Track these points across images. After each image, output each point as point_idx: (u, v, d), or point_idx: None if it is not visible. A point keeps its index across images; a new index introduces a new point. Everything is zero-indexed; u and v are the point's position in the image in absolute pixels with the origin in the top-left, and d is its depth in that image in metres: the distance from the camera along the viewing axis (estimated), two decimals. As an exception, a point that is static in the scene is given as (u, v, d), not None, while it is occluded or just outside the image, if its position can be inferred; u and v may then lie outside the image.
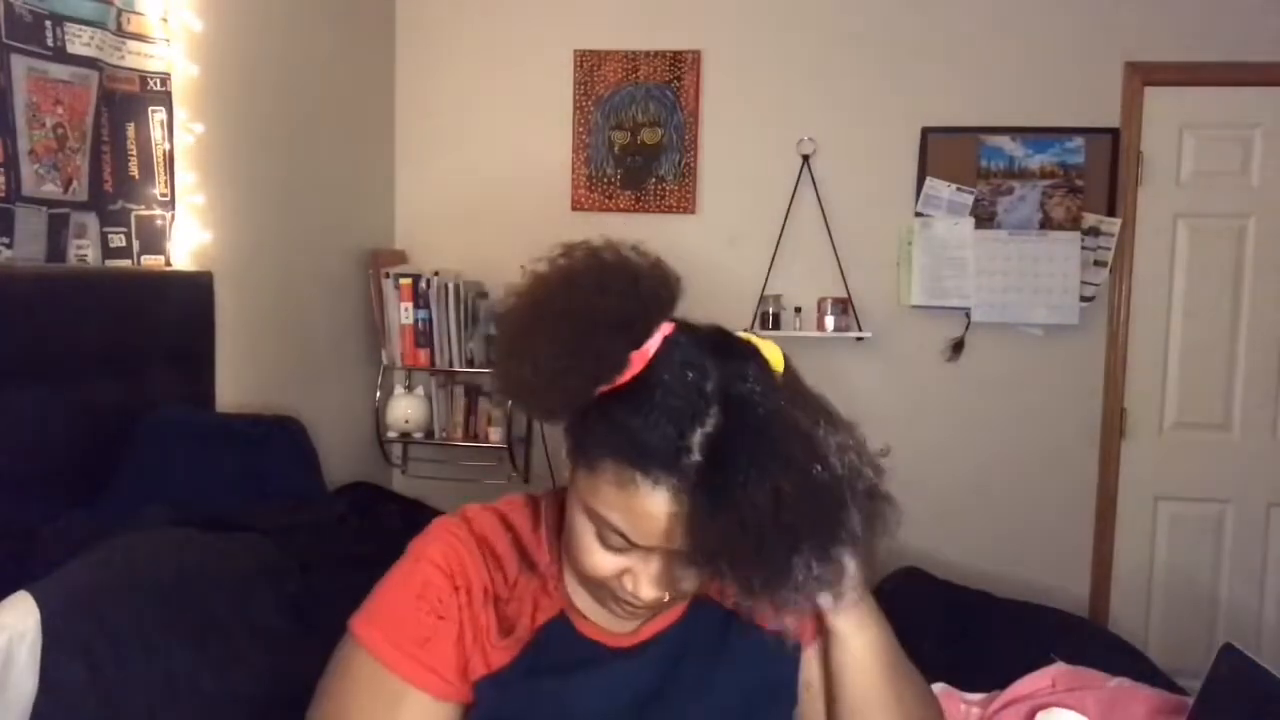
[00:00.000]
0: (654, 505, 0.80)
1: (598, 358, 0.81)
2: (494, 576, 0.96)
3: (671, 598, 0.89)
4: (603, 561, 0.87)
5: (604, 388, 0.82)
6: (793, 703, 1.03)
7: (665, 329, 0.84)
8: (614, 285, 0.83)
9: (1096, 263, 3.08)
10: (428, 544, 0.96)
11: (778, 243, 3.17)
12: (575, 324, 0.81)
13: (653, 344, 0.83)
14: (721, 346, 0.85)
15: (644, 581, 0.86)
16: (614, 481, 0.82)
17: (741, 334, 0.90)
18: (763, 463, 0.76)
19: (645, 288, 0.84)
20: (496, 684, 0.93)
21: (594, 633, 0.97)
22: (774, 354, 0.87)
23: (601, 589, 0.91)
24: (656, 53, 3.24)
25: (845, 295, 3.15)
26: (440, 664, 0.92)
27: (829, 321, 3.12)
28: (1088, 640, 2.17)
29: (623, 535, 0.84)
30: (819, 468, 0.78)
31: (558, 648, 0.95)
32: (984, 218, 3.12)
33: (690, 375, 0.81)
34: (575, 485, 0.88)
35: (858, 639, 0.93)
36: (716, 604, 1.02)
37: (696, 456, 0.78)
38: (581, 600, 0.98)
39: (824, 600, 0.84)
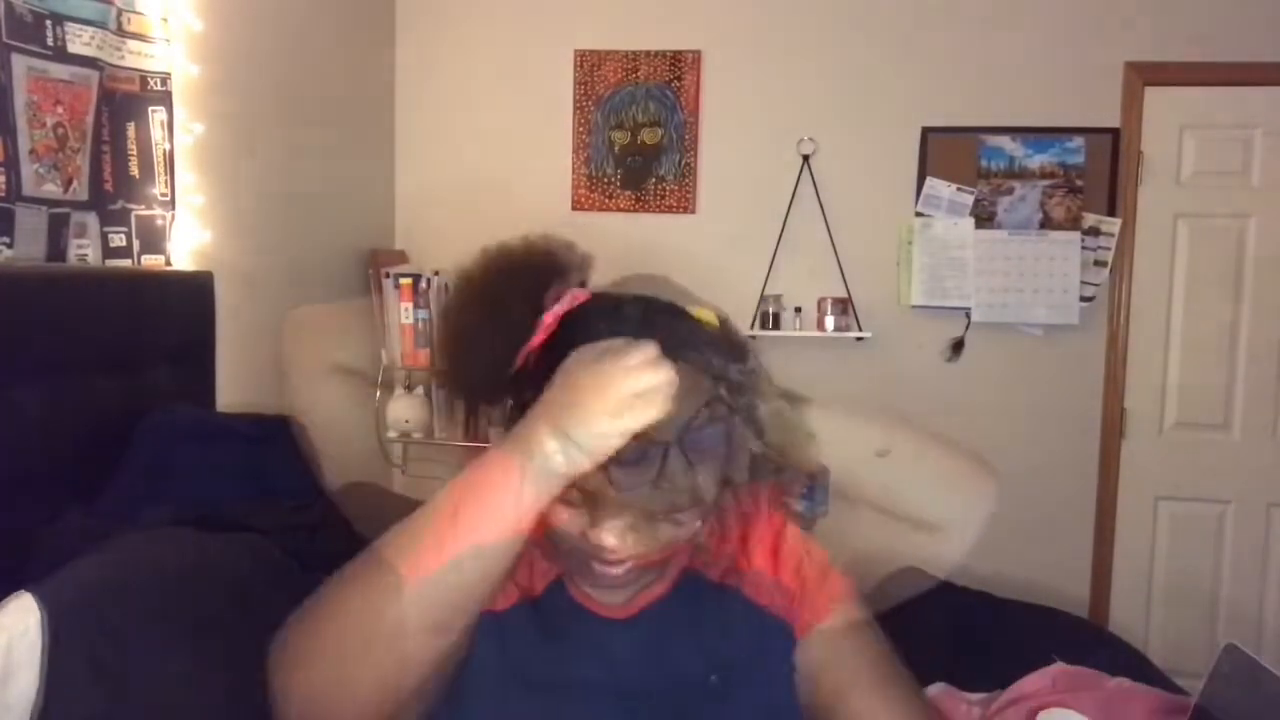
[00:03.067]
0: None
1: (510, 325, 0.90)
2: None
3: (647, 549, 0.90)
4: (638, 487, 0.86)
5: (530, 347, 0.89)
6: (782, 674, 1.03)
7: (577, 296, 0.92)
8: (505, 269, 0.94)
9: (1096, 263, 3.09)
10: None
11: (778, 243, 3.17)
12: (485, 305, 0.91)
13: (560, 307, 0.90)
14: (643, 299, 0.93)
15: (679, 471, 0.86)
16: None
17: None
18: (685, 314, 0.89)
19: (536, 262, 0.94)
20: (499, 624, 0.96)
21: (588, 601, 1.00)
22: (708, 316, 0.94)
23: (582, 564, 0.93)
24: (656, 53, 3.24)
25: (845, 295, 3.15)
26: None
27: (829, 321, 3.12)
28: (1088, 640, 2.17)
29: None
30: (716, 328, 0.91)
31: (557, 608, 0.98)
32: (984, 218, 3.12)
33: (602, 325, 0.87)
34: None
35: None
36: (703, 575, 1.03)
37: (641, 328, 0.85)
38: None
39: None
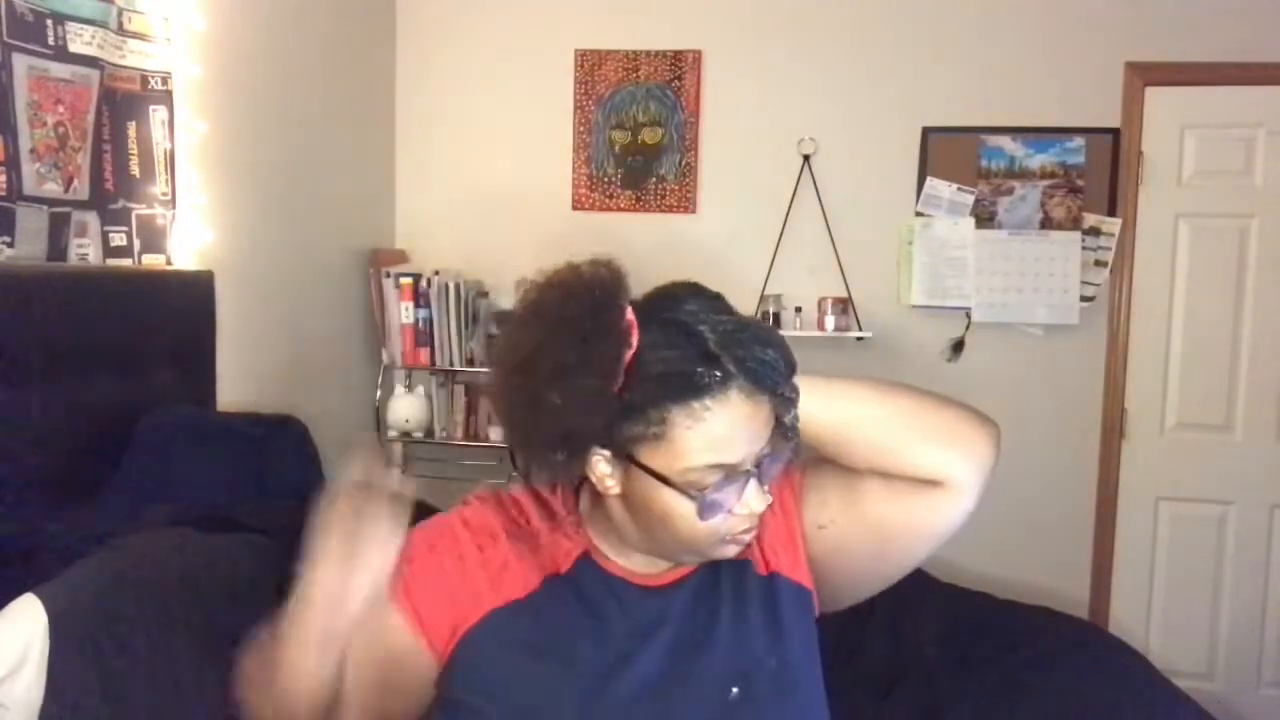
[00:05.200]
0: (729, 412, 0.91)
1: (612, 336, 0.91)
2: (518, 519, 1.06)
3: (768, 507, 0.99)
4: (718, 515, 0.95)
5: (629, 354, 0.91)
6: (807, 636, 1.08)
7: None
8: (579, 290, 0.93)
9: (1097, 263, 3.08)
10: (460, 509, 1.09)
11: (778, 243, 3.17)
12: (574, 330, 0.90)
13: (630, 312, 0.93)
14: (664, 294, 0.98)
15: (754, 497, 0.95)
16: (688, 423, 0.91)
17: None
18: (757, 335, 0.94)
19: (600, 276, 0.94)
20: (525, 607, 1.01)
21: (620, 572, 1.04)
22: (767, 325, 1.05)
23: (714, 544, 0.98)
24: (657, 52, 3.23)
25: (845, 295, 3.14)
26: (426, 607, 1.01)
27: (829, 321, 3.12)
28: (1087, 641, 2.17)
29: (721, 466, 0.93)
30: (748, 317, 0.99)
31: (588, 581, 1.03)
32: (984, 218, 3.12)
33: (666, 315, 0.94)
34: (648, 476, 0.94)
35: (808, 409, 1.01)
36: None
37: (726, 356, 0.92)
38: (607, 546, 1.05)
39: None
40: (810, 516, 1.09)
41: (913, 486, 1.04)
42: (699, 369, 0.91)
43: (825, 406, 1.03)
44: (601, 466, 0.97)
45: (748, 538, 1.00)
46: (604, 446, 0.95)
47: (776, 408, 0.96)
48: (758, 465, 0.95)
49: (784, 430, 0.97)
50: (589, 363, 0.89)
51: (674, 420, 0.91)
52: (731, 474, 0.93)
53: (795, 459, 1.02)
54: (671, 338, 0.93)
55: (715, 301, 0.98)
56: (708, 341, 0.92)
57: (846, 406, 1.04)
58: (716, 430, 0.91)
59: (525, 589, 1.01)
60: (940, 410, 1.06)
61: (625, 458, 0.95)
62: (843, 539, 1.07)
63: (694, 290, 0.98)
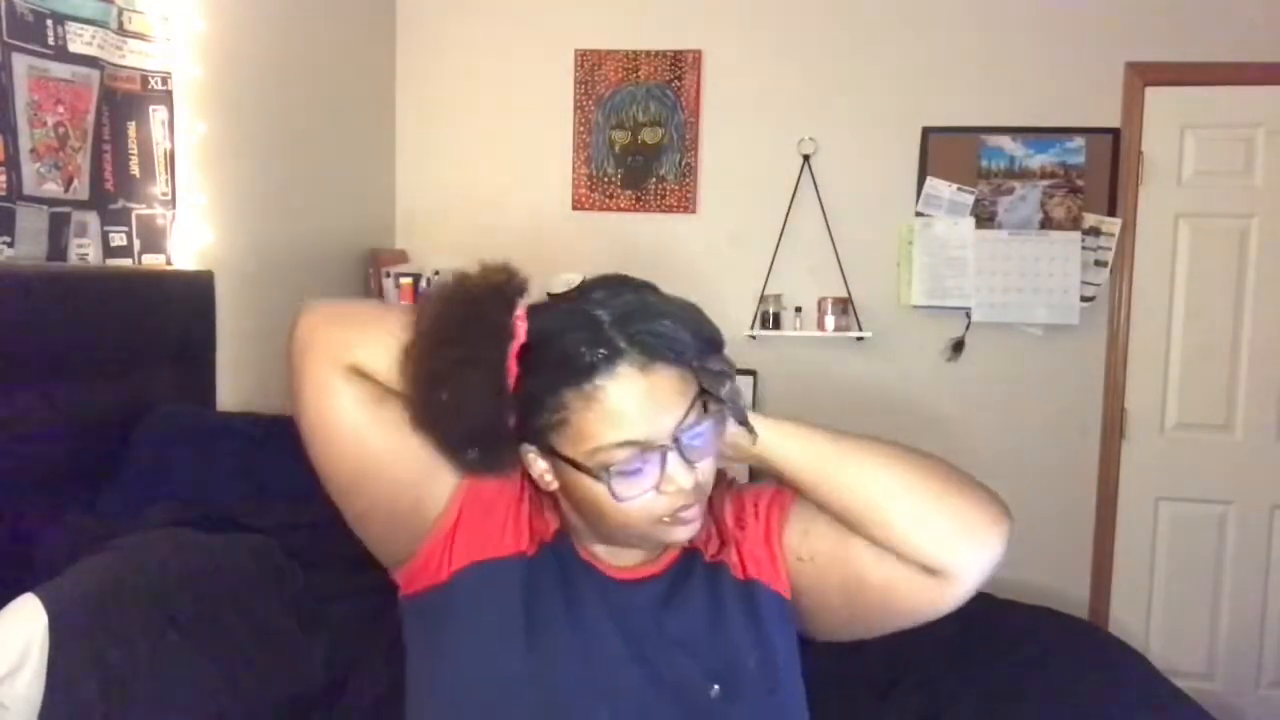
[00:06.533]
0: (623, 388, 0.90)
1: (495, 331, 0.91)
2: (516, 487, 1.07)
3: (700, 483, 0.95)
4: (640, 494, 0.93)
5: (514, 345, 0.91)
6: (783, 641, 1.06)
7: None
8: (460, 295, 0.93)
9: (1097, 263, 3.08)
10: None
11: (778, 243, 3.17)
12: (459, 331, 0.91)
13: (521, 307, 0.93)
14: (580, 286, 0.96)
15: (679, 472, 0.93)
16: (586, 405, 0.90)
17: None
18: (656, 309, 0.93)
19: (487, 279, 0.94)
20: (530, 567, 1.01)
21: (589, 558, 1.04)
22: (679, 299, 1.00)
23: (653, 525, 0.96)
24: (657, 52, 3.24)
25: (845, 295, 3.15)
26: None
27: (829, 321, 3.12)
28: (1087, 641, 2.17)
29: (630, 443, 0.91)
30: (669, 296, 0.97)
31: (568, 557, 1.03)
32: (984, 218, 3.12)
33: (568, 305, 0.93)
34: (566, 465, 0.94)
35: (784, 454, 1.00)
36: (701, 553, 1.07)
37: (617, 334, 0.91)
38: (576, 536, 1.05)
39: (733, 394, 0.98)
40: (790, 544, 1.05)
41: (905, 562, 0.97)
42: (583, 349, 0.90)
43: (814, 463, 0.98)
44: (538, 464, 0.97)
45: (689, 515, 0.96)
46: (530, 443, 0.95)
47: (701, 381, 0.94)
48: (675, 440, 0.92)
49: (710, 402, 0.95)
50: (473, 360, 0.89)
51: (570, 405, 0.91)
52: (646, 449, 0.91)
53: (724, 425, 0.98)
54: (568, 326, 0.92)
55: (635, 289, 0.96)
56: (602, 324, 0.91)
57: (840, 465, 0.98)
58: (614, 407, 0.90)
59: (529, 549, 1.02)
60: (950, 493, 0.97)
61: (548, 451, 0.95)
62: (818, 579, 1.03)
63: (615, 281, 0.97)
